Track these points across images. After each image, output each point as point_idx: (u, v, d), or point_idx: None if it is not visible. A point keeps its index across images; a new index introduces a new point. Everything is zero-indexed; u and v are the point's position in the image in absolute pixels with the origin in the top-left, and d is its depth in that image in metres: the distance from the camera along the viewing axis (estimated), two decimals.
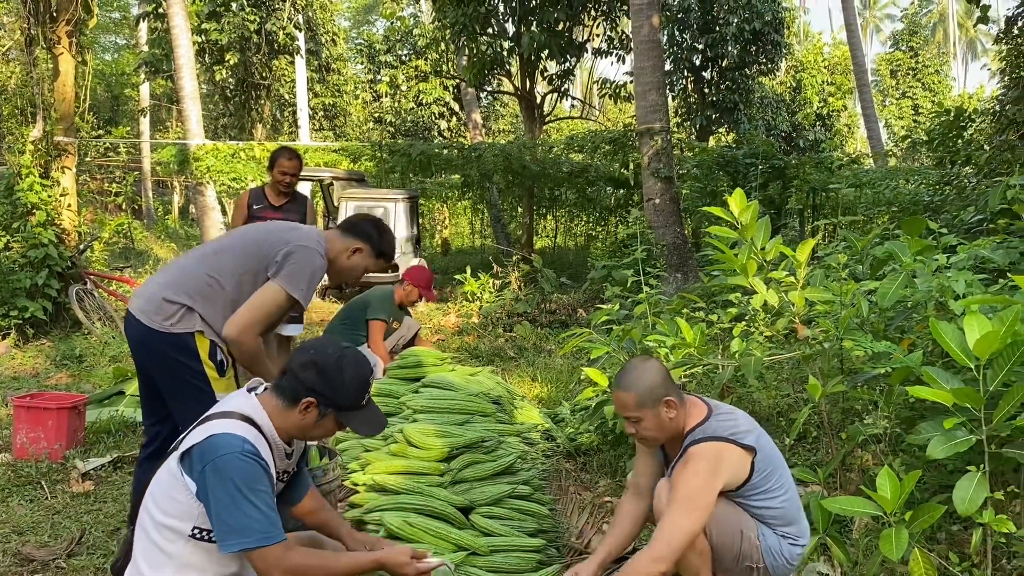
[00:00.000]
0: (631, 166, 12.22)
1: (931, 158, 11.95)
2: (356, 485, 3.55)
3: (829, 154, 18.34)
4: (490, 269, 11.24)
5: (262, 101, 21.71)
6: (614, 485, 4.19)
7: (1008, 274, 3.79)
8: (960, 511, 2.74)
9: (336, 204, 12.44)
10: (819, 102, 26.93)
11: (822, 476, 3.41)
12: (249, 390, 2.43)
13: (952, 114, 11.06)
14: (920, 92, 34.45)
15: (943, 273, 3.61)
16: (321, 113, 26.49)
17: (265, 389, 2.43)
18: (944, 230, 4.12)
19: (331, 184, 12.67)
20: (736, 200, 3.83)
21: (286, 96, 23.13)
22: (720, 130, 21.82)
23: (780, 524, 2.70)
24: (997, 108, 8.67)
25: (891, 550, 2.71)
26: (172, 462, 2.25)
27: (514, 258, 10.73)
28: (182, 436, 2.31)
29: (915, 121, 34.34)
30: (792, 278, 3.64)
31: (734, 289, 5.50)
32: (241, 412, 2.29)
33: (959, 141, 10.37)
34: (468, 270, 11.11)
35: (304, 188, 12.17)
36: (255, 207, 5.09)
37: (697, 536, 2.52)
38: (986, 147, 9.36)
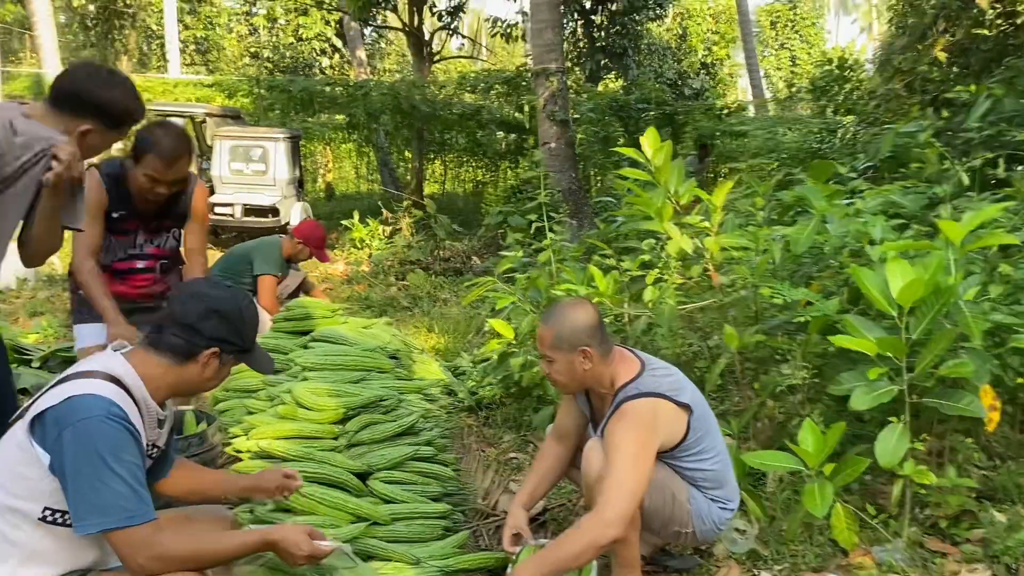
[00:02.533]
0: (526, 108, 11.91)
1: (815, 107, 12.24)
2: (239, 452, 3.19)
3: (714, 102, 18.55)
4: (378, 215, 10.78)
5: (127, 31, 20.06)
6: (519, 440, 3.99)
7: (913, 220, 3.77)
8: (882, 464, 2.67)
9: (209, 143, 11.61)
10: (704, 51, 27.29)
11: (736, 428, 3.31)
12: (115, 350, 2.09)
13: (836, 64, 11.31)
14: (798, 44, 35.45)
15: (855, 219, 3.52)
16: (192, 47, 24.82)
17: (131, 347, 2.11)
18: (853, 175, 4.04)
19: (204, 121, 11.81)
20: (649, 140, 3.62)
21: (153, 27, 21.48)
22: (609, 76, 21.74)
23: (711, 487, 2.55)
24: (884, 57, 8.84)
25: (815, 506, 2.62)
26: (19, 431, 1.89)
27: (405, 203, 10.30)
28: (31, 400, 1.93)
29: (792, 72, 35.40)
30: (707, 223, 3.47)
31: (640, 235, 5.37)
32: (107, 371, 1.95)
33: (842, 90, 10.62)
34: (356, 216, 10.62)
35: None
36: (114, 215, 3.18)
37: (642, 497, 2.33)
38: (867, 97, 9.59)
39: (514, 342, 3.89)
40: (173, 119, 11.19)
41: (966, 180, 3.64)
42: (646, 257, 3.61)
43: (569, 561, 2.23)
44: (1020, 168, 4.59)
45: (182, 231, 3.39)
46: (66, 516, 1.85)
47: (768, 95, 26.79)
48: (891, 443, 2.70)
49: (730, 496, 2.64)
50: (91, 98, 2.33)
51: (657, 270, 3.54)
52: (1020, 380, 3.02)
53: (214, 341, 2.06)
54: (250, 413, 3.45)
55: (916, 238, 3.38)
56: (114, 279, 3.25)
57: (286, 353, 3.88)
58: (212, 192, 10.97)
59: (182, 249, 3.44)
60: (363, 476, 3.08)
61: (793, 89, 19.87)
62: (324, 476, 2.96)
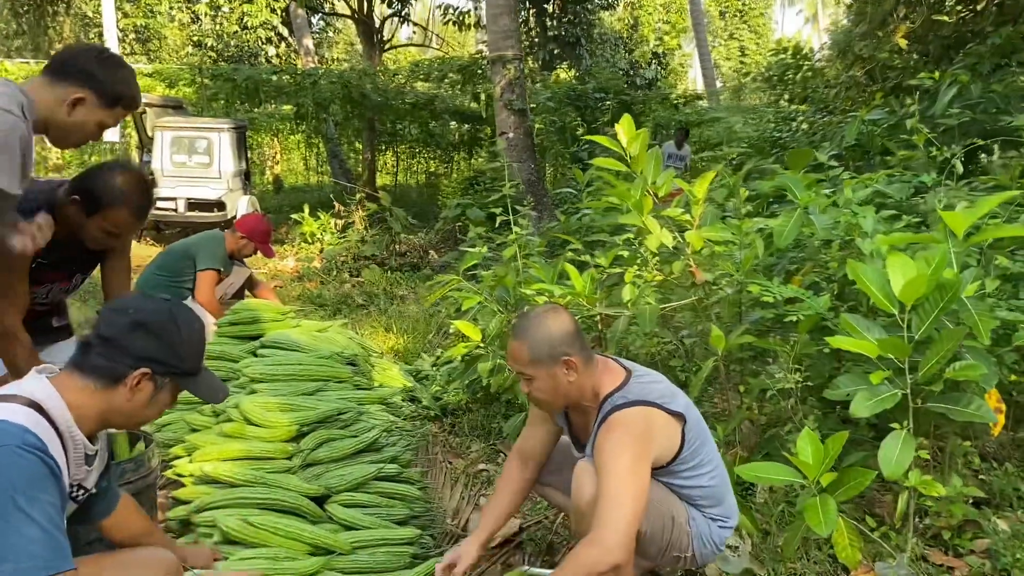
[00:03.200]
0: (483, 97, 11.60)
1: (770, 95, 12.18)
2: (181, 476, 2.87)
3: (668, 92, 18.47)
4: (329, 208, 10.40)
5: (60, 18, 19.20)
6: (488, 450, 3.73)
7: (900, 210, 3.60)
8: (887, 475, 2.47)
9: (150, 134, 11.07)
10: (655, 40, 27.23)
11: (721, 434, 3.10)
12: (39, 372, 1.78)
13: (790, 52, 11.25)
14: (746, 34, 35.74)
15: (840, 209, 3.33)
16: (132, 36, 23.88)
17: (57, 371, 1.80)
18: (834, 163, 3.86)
19: (144, 112, 11.25)
20: (625, 128, 3.38)
21: (90, 15, 20.59)
22: (562, 65, 21.53)
23: (709, 504, 2.32)
24: (844, 45, 8.76)
25: (818, 523, 2.39)
26: None
27: (357, 196, 9.93)
28: None
29: (742, 62, 35.67)
30: (688, 216, 3.25)
31: (609, 229, 5.13)
32: (26, 395, 1.66)
33: (796, 78, 10.54)
34: (306, 209, 10.22)
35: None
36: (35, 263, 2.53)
37: (642, 516, 2.08)
38: (822, 85, 9.52)
39: (481, 345, 3.63)
40: None
41: (960, 168, 3.48)
42: (624, 252, 3.36)
43: None
44: (993, 156, 4.48)
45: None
46: None
47: (719, 85, 26.84)
48: (895, 452, 2.50)
49: (729, 513, 2.41)
50: (92, 69, 2.23)
51: (635, 267, 3.30)
52: (1014, 378, 2.87)
53: (142, 360, 1.76)
54: (193, 430, 3.13)
55: (907, 230, 3.20)
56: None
57: (234, 361, 3.56)
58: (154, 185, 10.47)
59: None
60: (320, 500, 2.80)
61: (748, 77, 19.87)
62: (277, 503, 2.67)
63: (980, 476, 3.00)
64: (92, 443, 1.81)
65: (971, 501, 2.83)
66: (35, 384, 1.72)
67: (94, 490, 1.89)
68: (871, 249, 2.96)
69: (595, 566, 1.95)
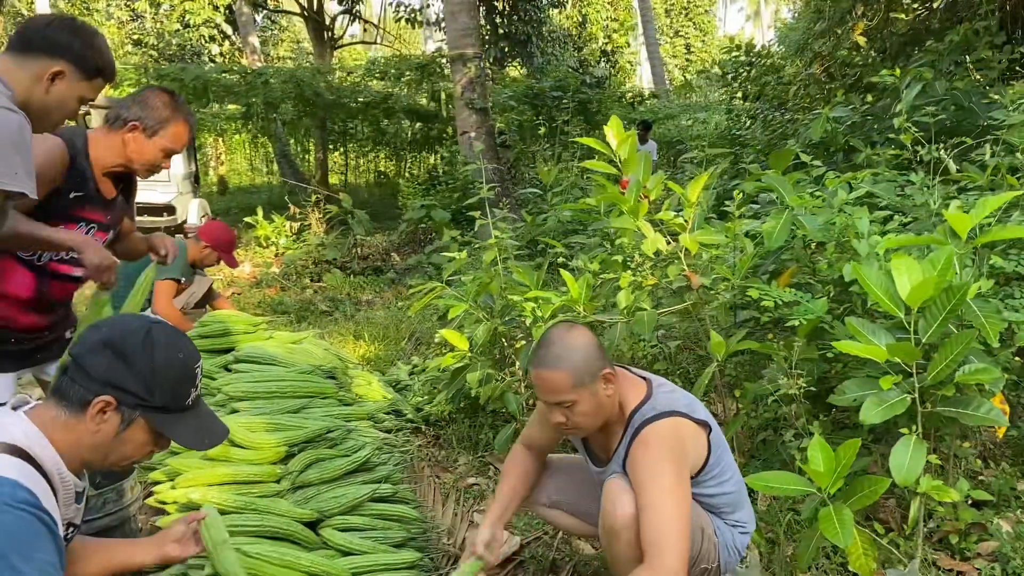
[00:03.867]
0: (442, 96, 11.44)
1: (725, 93, 12.27)
2: (164, 504, 2.70)
3: (621, 90, 18.52)
4: (281, 209, 10.12)
5: None
6: (476, 462, 3.62)
7: (890, 210, 3.59)
8: (900, 482, 2.43)
9: None
10: (604, 38, 27.33)
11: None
12: (15, 408, 1.59)
13: (743, 50, 11.34)
14: (692, 31, 36.12)
15: (832, 210, 3.30)
16: None
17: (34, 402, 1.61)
18: (817, 162, 3.84)
19: (88, 113, 10.81)
20: (613, 130, 3.30)
21: (24, 12, 19.81)
22: (514, 63, 21.44)
23: (730, 512, 2.28)
24: (803, 42, 8.84)
25: (835, 534, 2.34)
26: None
27: (314, 198, 9.68)
28: None
29: (688, 60, 36.05)
30: (681, 220, 3.18)
31: (586, 231, 5.05)
32: (9, 442, 1.47)
33: (751, 75, 10.62)
34: (260, 211, 9.94)
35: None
36: (72, 195, 2.43)
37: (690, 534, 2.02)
38: (774, 82, 9.60)
39: (468, 354, 3.51)
40: None
41: (952, 167, 3.48)
42: (618, 257, 3.28)
43: None
44: (982, 154, 4.51)
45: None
46: None
47: (667, 83, 27.04)
48: (906, 458, 2.46)
49: (747, 518, 2.37)
50: (66, 40, 2.08)
51: (630, 272, 3.22)
52: (1007, 377, 2.86)
53: (105, 386, 1.53)
54: (173, 454, 2.95)
55: (899, 230, 3.18)
56: (42, 283, 2.40)
57: (209, 378, 3.38)
58: None
59: None
60: (313, 524, 2.66)
61: (701, 75, 20.03)
62: (269, 530, 2.52)
63: (980, 477, 3.00)
64: (80, 479, 1.65)
65: (971, 503, 2.82)
66: (15, 426, 1.52)
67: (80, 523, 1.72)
68: (868, 251, 2.93)
69: None
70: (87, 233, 2.45)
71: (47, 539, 1.43)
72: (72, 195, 2.40)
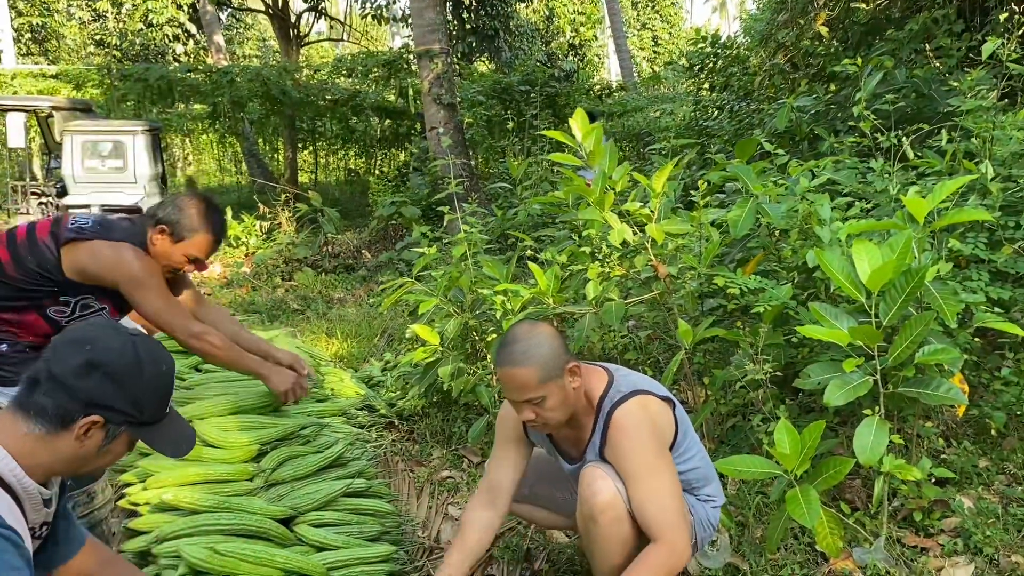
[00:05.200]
0: (410, 93, 11.40)
1: (691, 84, 12.36)
2: (136, 505, 2.68)
3: (589, 83, 18.55)
4: (251, 209, 10.05)
5: None
6: (450, 456, 3.64)
7: (851, 196, 3.65)
8: (863, 462, 2.49)
9: (58, 139, 10.50)
10: (571, 31, 27.36)
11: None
12: None
13: (708, 41, 11.42)
14: (659, 23, 36.24)
15: (794, 197, 3.35)
16: (28, 35, 22.66)
17: None
18: (780, 151, 3.89)
19: (50, 115, 10.67)
20: (579, 122, 3.33)
21: None
22: (482, 58, 21.40)
23: (701, 486, 2.35)
24: (766, 32, 8.91)
25: (802, 514, 2.40)
26: None
27: (283, 197, 9.62)
28: None
29: (655, 52, 36.17)
30: (647, 210, 3.21)
31: (556, 224, 5.08)
32: None
33: (717, 66, 10.71)
34: (229, 211, 9.85)
35: (15, 121, 10.09)
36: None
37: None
38: (740, 72, 9.68)
39: (440, 348, 3.53)
40: (13, 114, 10.10)
41: (911, 154, 3.55)
42: (585, 249, 3.31)
43: None
44: (938, 140, 4.59)
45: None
46: None
47: (635, 75, 27.15)
48: (869, 439, 2.52)
49: (716, 492, 2.44)
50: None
51: (598, 263, 3.25)
52: (965, 357, 2.93)
53: (95, 408, 1.54)
54: (144, 455, 2.93)
55: (860, 216, 3.24)
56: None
57: (179, 379, 3.36)
58: (65, 194, 9.94)
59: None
60: (287, 521, 2.66)
61: (668, 67, 20.11)
62: (243, 528, 2.52)
63: (942, 456, 3.07)
64: (47, 487, 1.63)
65: (934, 480, 2.89)
66: None
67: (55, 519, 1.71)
68: (830, 237, 2.98)
69: (673, 569, 2.01)
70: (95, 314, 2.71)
71: (11, 553, 1.41)
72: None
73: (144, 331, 3.50)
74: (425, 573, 2.75)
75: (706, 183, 3.52)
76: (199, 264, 2.81)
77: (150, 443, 1.67)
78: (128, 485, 2.82)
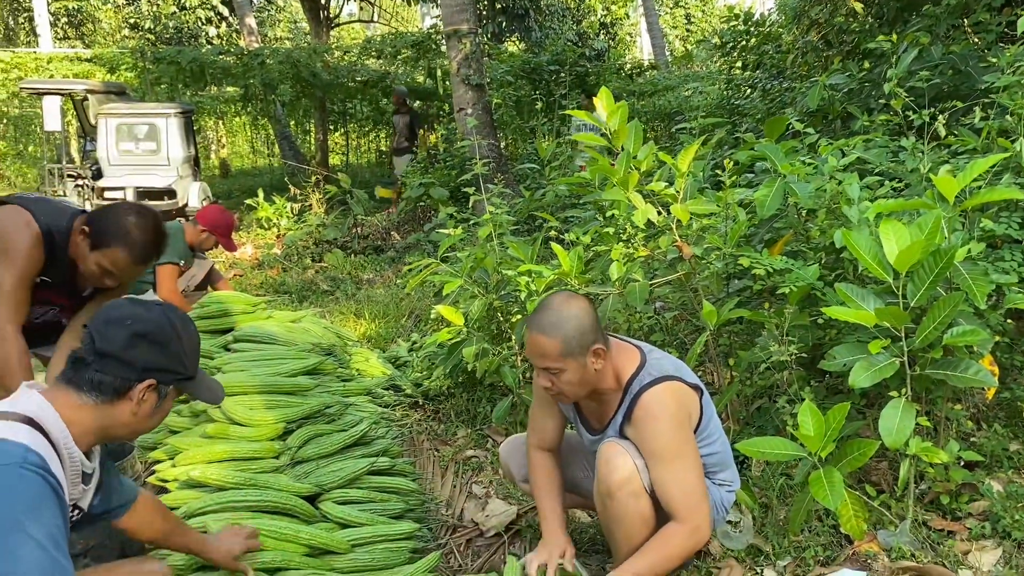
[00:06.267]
0: (438, 74, 11.38)
1: (724, 63, 12.19)
2: (165, 482, 2.74)
3: (621, 62, 18.38)
4: (283, 191, 10.14)
5: None
6: (475, 435, 3.66)
7: (882, 176, 3.59)
8: (889, 444, 2.46)
9: (93, 122, 10.67)
10: (603, 10, 27.08)
11: (717, 408, 3.07)
12: (28, 387, 1.69)
13: (741, 19, 11.24)
14: (692, 1, 35.71)
15: (823, 177, 3.30)
16: (64, 20, 22.97)
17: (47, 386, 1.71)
18: (811, 130, 3.83)
19: (85, 99, 10.83)
20: (604, 101, 3.31)
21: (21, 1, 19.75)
22: (512, 38, 21.28)
23: (718, 471, 2.36)
24: (800, 10, 8.75)
25: (825, 497, 2.38)
26: None
27: (313, 178, 9.67)
28: None
29: (688, 30, 35.67)
30: (672, 190, 3.19)
31: (581, 205, 5.05)
32: (21, 412, 1.57)
33: (750, 44, 10.54)
34: (260, 193, 9.95)
35: (51, 104, 10.26)
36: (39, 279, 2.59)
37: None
38: (774, 50, 9.52)
39: (464, 329, 3.54)
40: (49, 97, 10.27)
41: (943, 132, 3.47)
42: (609, 230, 3.29)
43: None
44: (971, 118, 4.49)
45: None
46: None
47: (667, 54, 26.81)
48: (895, 421, 2.49)
49: (733, 477, 2.45)
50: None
51: (622, 244, 3.23)
52: (997, 339, 2.88)
53: (149, 372, 1.72)
54: (172, 432, 2.99)
55: (891, 195, 3.18)
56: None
57: (208, 358, 3.42)
58: (100, 176, 10.11)
59: None
60: (312, 498, 2.70)
61: (700, 45, 19.84)
62: (269, 504, 2.56)
63: (972, 439, 3.02)
64: (89, 460, 1.72)
65: (963, 463, 2.85)
66: (30, 400, 1.62)
67: (87, 510, 1.79)
68: (859, 216, 2.93)
69: (693, 548, 2.11)
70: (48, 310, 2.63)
71: (53, 501, 1.51)
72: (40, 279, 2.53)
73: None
74: (448, 550, 2.78)
75: (733, 163, 3.48)
76: (112, 278, 2.54)
77: (195, 394, 1.89)
78: (158, 462, 2.88)
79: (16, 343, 2.45)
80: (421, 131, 11.28)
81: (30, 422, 1.56)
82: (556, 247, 3.17)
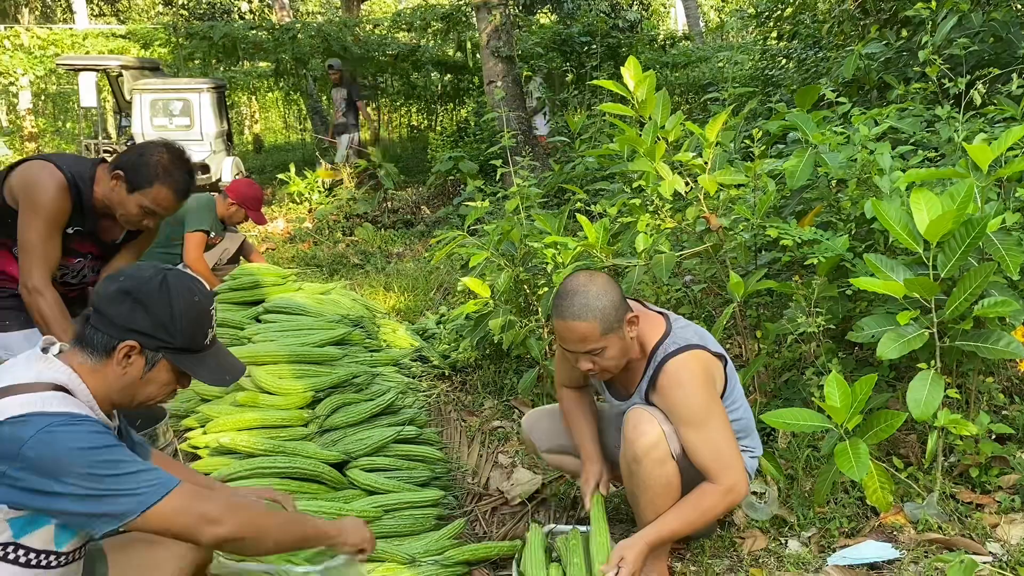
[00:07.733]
0: (468, 46, 11.32)
1: (759, 33, 11.97)
2: (196, 448, 2.81)
3: (654, 33, 18.11)
4: (314, 166, 10.20)
5: None
6: (501, 406, 3.69)
7: (915, 145, 3.51)
8: (917, 416, 2.44)
9: (128, 98, 10.80)
10: None
11: (743, 381, 3.05)
12: (44, 349, 1.69)
13: None
14: None
15: (854, 146, 3.24)
16: None
17: (61, 349, 1.70)
18: (843, 99, 3.76)
19: (120, 74, 10.96)
20: (631, 71, 3.27)
21: None
22: (543, 9, 21.05)
23: (742, 437, 2.36)
24: None
25: (850, 468, 2.37)
26: None
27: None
28: None
29: (722, 0, 35.01)
30: (700, 161, 3.16)
31: (608, 176, 5.03)
32: (48, 381, 1.58)
33: (785, 14, 10.33)
34: (292, 168, 10.03)
35: (87, 80, 10.39)
36: (68, 231, 2.57)
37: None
38: (810, 20, 9.32)
39: (491, 301, 3.56)
40: (85, 73, 10.41)
41: (979, 99, 3.38)
42: (636, 201, 3.28)
43: (689, 531, 2.23)
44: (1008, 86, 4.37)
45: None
46: (29, 554, 1.51)
47: (701, 25, 26.36)
48: (924, 392, 2.46)
49: (756, 444, 2.46)
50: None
51: (648, 215, 3.21)
52: None
53: (128, 332, 1.63)
54: (204, 401, 3.06)
55: (924, 165, 3.12)
56: None
57: (239, 328, 3.48)
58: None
59: None
60: (340, 466, 2.75)
61: (735, 14, 19.51)
62: (297, 471, 2.62)
63: (1003, 412, 2.98)
64: (111, 420, 1.75)
65: (994, 437, 2.81)
66: (52, 368, 1.62)
67: None
68: (890, 186, 2.89)
69: (730, 505, 2.18)
70: (80, 261, 2.62)
71: (111, 436, 1.57)
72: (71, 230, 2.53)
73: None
74: (473, 517, 2.82)
75: (763, 133, 3.44)
76: (154, 217, 2.54)
77: (191, 372, 1.74)
78: (189, 430, 2.95)
79: (48, 295, 2.46)
80: (367, 105, 10.94)
81: (60, 389, 1.58)
82: (582, 218, 3.17)
